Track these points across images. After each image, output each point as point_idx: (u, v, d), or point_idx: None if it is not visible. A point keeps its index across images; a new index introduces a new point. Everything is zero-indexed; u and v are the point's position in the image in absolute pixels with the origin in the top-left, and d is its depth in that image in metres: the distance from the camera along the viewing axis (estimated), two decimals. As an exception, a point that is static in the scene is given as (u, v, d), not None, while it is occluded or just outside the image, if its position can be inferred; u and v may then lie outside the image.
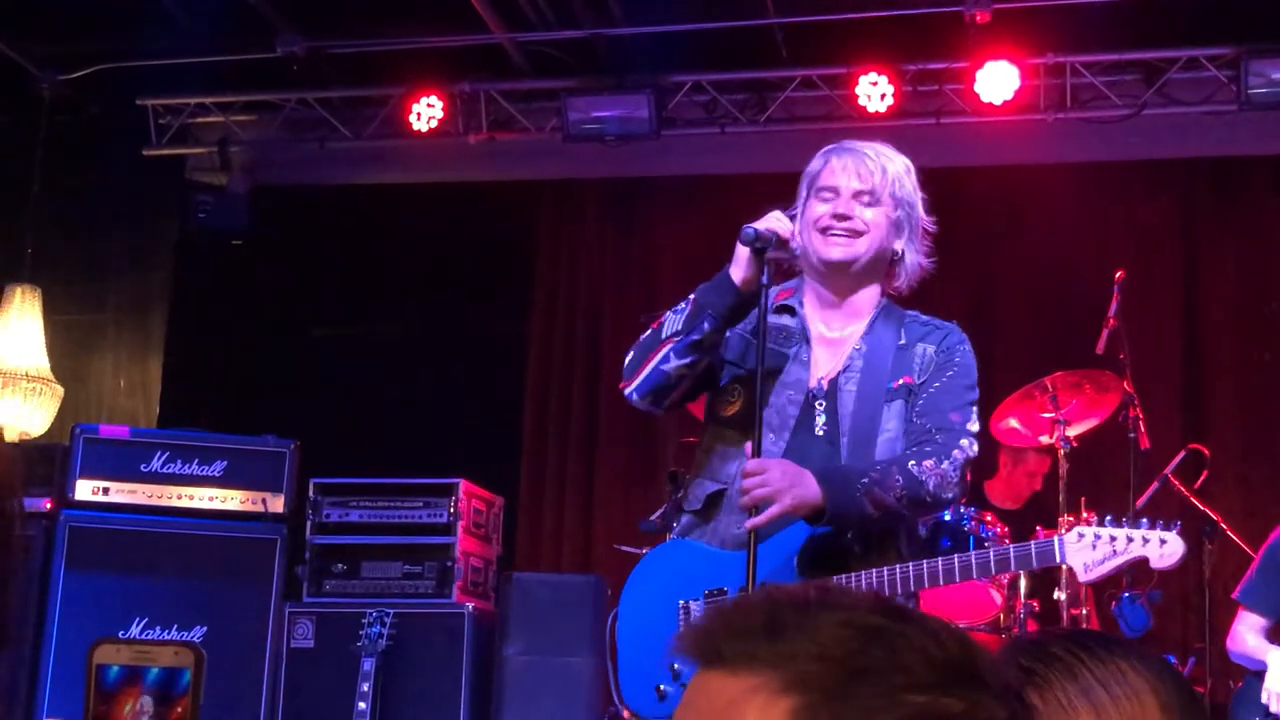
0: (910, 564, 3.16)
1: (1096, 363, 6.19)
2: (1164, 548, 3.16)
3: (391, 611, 5.92)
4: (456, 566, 6.30)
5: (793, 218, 3.43)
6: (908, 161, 3.49)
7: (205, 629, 6.04)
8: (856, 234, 3.36)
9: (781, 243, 3.28)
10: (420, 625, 6.08)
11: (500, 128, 8.03)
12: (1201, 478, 6.43)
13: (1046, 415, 6.16)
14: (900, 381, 3.35)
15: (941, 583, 3.12)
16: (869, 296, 3.46)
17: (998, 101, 7.35)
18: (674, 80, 7.80)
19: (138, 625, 5.85)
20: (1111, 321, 6.14)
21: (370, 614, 5.86)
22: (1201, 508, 6.29)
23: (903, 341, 3.40)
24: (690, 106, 7.93)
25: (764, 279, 3.23)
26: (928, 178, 7.74)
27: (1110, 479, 6.82)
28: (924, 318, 3.49)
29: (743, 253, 3.24)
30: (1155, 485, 6.20)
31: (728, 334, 3.40)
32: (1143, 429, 6.15)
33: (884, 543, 3.30)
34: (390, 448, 7.59)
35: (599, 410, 7.98)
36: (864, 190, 3.37)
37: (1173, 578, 6.95)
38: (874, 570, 3.15)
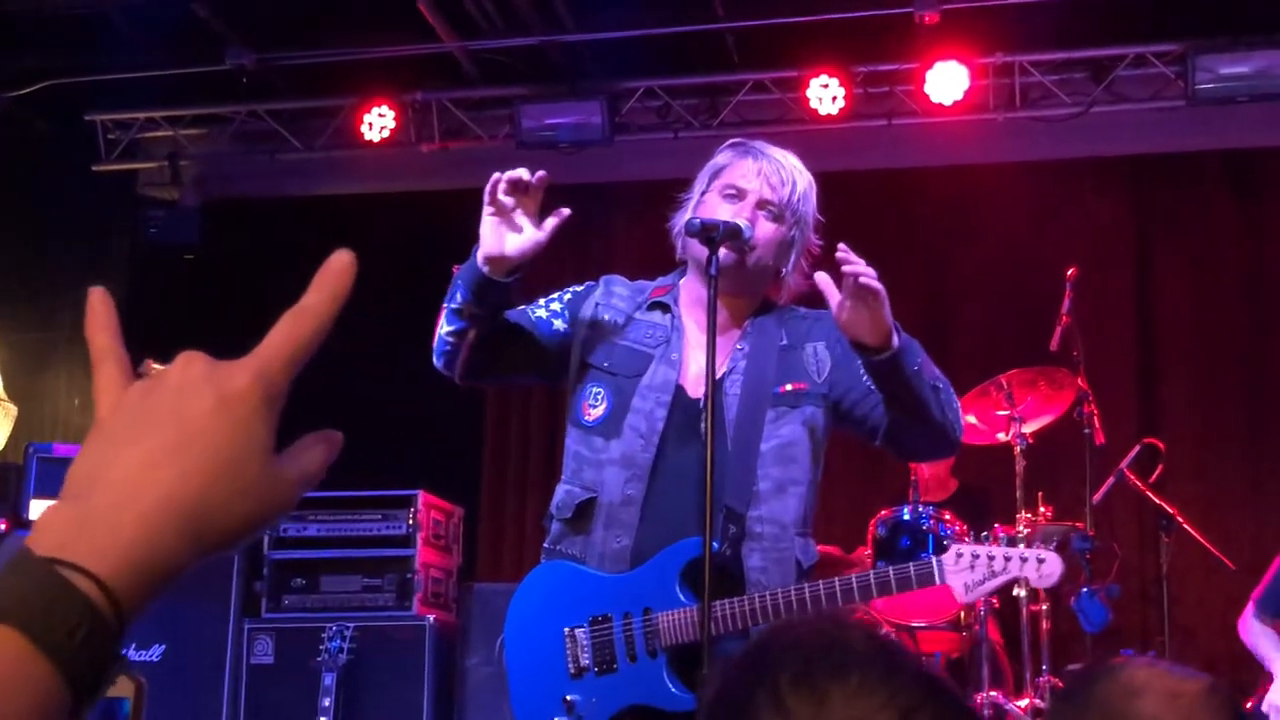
0: (793, 589, 3.07)
1: (1051, 360, 6.23)
2: (1042, 567, 3.16)
3: (351, 625, 5.91)
4: (416, 578, 6.29)
5: (682, 208, 3.35)
6: (811, 179, 3.33)
7: (164, 647, 6.02)
8: (751, 248, 3.22)
9: (734, 233, 3.13)
10: (381, 638, 6.07)
11: (453, 136, 8.01)
12: (1157, 472, 6.44)
13: (1002, 412, 6.20)
14: (789, 387, 3.24)
15: (824, 606, 3.04)
16: (749, 300, 3.35)
17: (948, 102, 7.37)
18: (626, 86, 7.77)
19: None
20: (1065, 318, 6.20)
21: (330, 628, 5.84)
22: (1158, 501, 6.32)
23: (785, 342, 3.30)
24: (643, 112, 7.92)
25: (712, 270, 3.06)
26: (880, 179, 7.89)
27: (1066, 475, 6.89)
28: (801, 310, 3.39)
29: (486, 227, 3.07)
30: (1111, 480, 6.25)
31: (600, 337, 3.29)
32: (1097, 424, 6.21)
33: (782, 557, 3.19)
34: (348, 460, 7.51)
35: (560, 418, 7.89)
36: (770, 201, 3.23)
37: (1132, 571, 7.04)
38: (758, 595, 3.06)
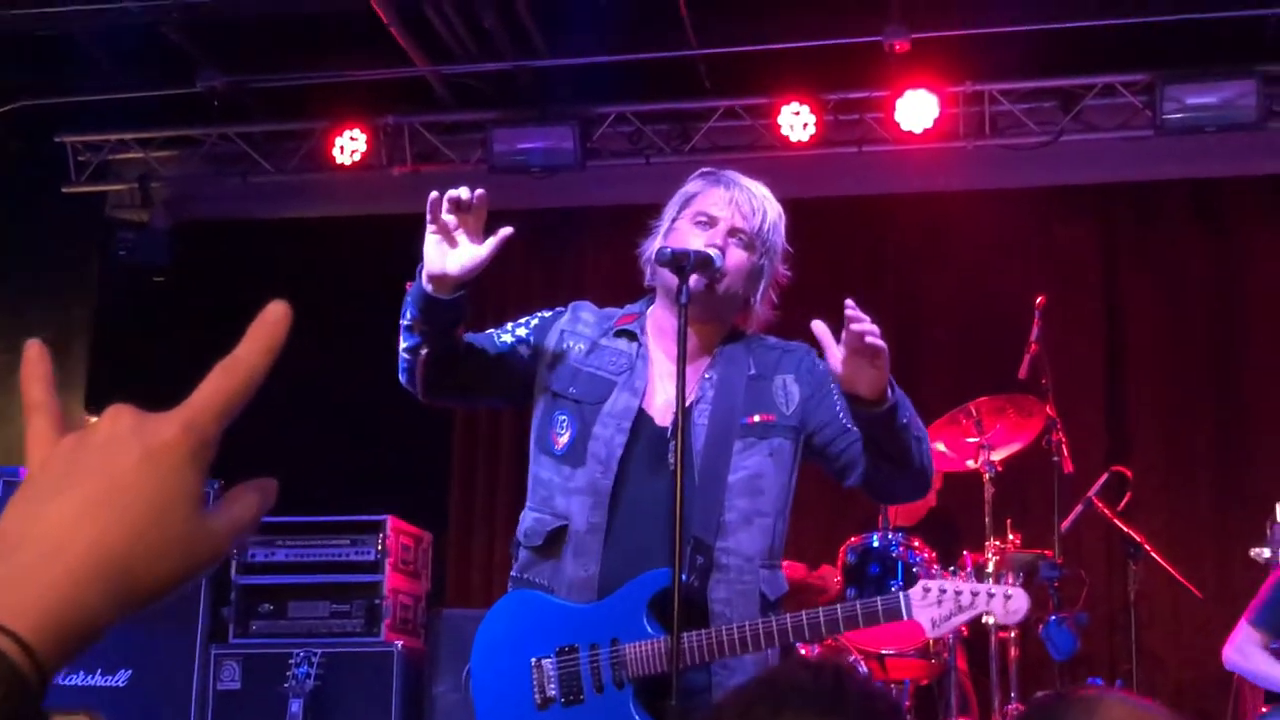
0: (760, 621, 3.09)
1: (1020, 387, 6.25)
2: (1009, 603, 3.20)
3: (319, 651, 5.89)
4: (385, 604, 6.27)
5: (652, 235, 3.37)
6: (780, 210, 3.37)
7: (130, 672, 5.99)
8: (722, 275, 3.24)
9: (704, 262, 3.15)
10: (349, 665, 6.05)
11: (424, 160, 8.01)
12: (1125, 499, 6.46)
13: (971, 440, 6.21)
14: (756, 418, 3.26)
15: (792, 640, 3.07)
16: (717, 328, 3.37)
17: (918, 129, 7.41)
18: (598, 111, 7.81)
19: (62, 671, 5.75)
20: (1033, 346, 6.22)
21: (298, 654, 5.82)
22: (1125, 529, 6.31)
23: (753, 372, 3.32)
24: (615, 137, 7.94)
25: (683, 298, 3.09)
26: (851, 206, 7.88)
27: (1035, 502, 6.91)
28: (771, 340, 3.41)
29: (429, 245, 3.11)
30: (1079, 508, 6.25)
31: (564, 364, 3.31)
32: (1066, 453, 6.23)
33: (746, 589, 3.19)
34: (317, 484, 7.50)
35: (529, 442, 7.91)
36: (740, 230, 3.26)
37: (1100, 599, 7.03)
38: (724, 628, 3.08)
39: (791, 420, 3.27)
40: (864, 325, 2.96)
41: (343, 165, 7.86)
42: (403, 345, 3.21)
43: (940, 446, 6.26)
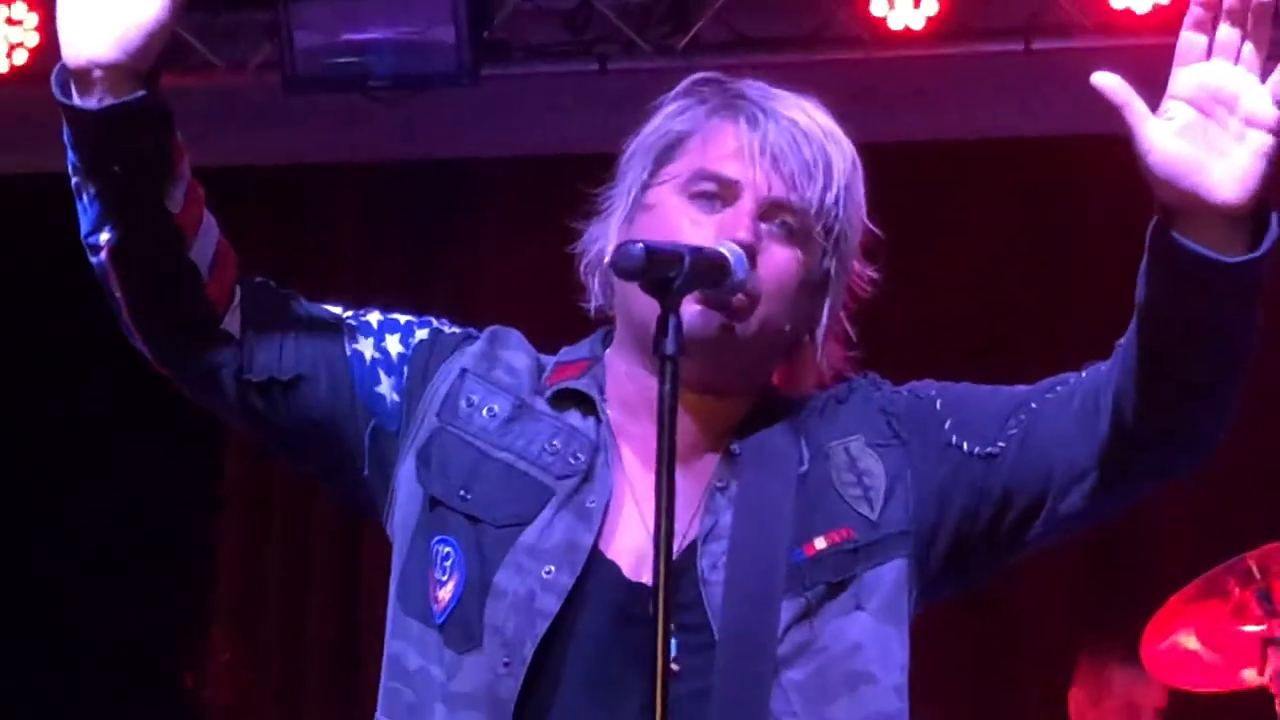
0: None
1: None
2: None
3: None
4: None
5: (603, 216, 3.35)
6: (855, 156, 3.32)
7: None
8: (748, 300, 3.15)
9: (712, 269, 3.05)
10: None
11: (161, 66, 7.59)
12: None
13: (1251, 629, 6.39)
14: (820, 544, 3.19)
15: None
16: (739, 400, 3.29)
17: (1141, 7, 7.55)
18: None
19: None
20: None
21: None
22: None
23: (805, 468, 3.26)
24: (538, 21, 8.09)
25: (669, 347, 2.95)
26: (1008, 155, 7.44)
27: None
28: (820, 397, 3.38)
29: (63, 8, 3.14)
30: None
31: (458, 440, 3.27)
32: None
33: None
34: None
35: (361, 626, 7.81)
36: (784, 204, 3.20)
37: None
38: None
39: (891, 525, 3.24)
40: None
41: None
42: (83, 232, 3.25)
43: (1189, 642, 6.55)
